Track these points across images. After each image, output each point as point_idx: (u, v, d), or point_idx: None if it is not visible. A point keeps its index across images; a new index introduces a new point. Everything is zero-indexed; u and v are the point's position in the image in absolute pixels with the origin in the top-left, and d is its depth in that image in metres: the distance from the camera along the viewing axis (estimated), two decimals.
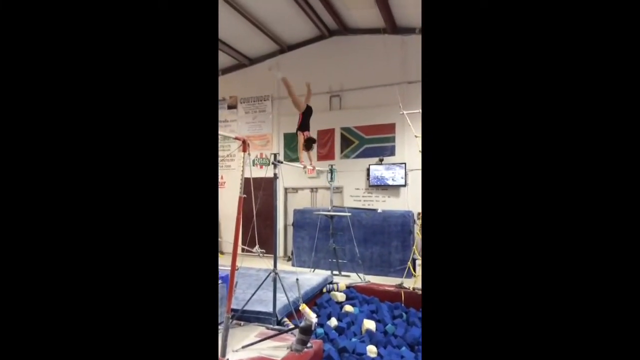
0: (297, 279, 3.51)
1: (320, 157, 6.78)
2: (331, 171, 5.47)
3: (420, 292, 4.26)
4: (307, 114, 4.34)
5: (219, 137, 7.75)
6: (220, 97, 7.77)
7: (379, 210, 5.77)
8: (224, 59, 7.30)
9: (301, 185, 7.06)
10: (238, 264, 2.64)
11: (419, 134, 4.55)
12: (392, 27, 6.11)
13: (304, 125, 4.29)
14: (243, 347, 2.65)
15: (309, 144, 4.32)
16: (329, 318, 3.69)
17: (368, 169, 6.36)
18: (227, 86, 7.70)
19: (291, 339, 2.75)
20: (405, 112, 4.57)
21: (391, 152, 6.29)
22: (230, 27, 6.16)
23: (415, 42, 6.11)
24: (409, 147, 6.03)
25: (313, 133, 6.86)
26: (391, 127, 6.31)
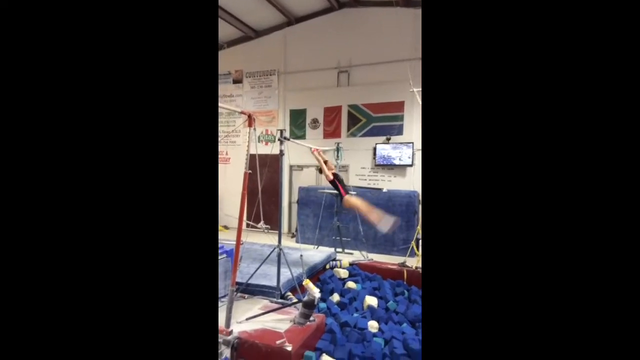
0: (301, 255, 3.55)
1: (327, 135, 6.70)
2: (338, 149, 5.41)
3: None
4: (337, 180, 4.17)
5: (224, 112, 7.68)
6: (225, 71, 7.62)
7: (384, 190, 5.74)
8: (229, 31, 7.09)
9: (306, 163, 7.02)
10: (243, 238, 2.66)
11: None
12: (405, 0, 5.84)
13: (344, 189, 4.13)
14: (247, 319, 2.71)
15: (340, 181, 4.20)
16: (331, 293, 3.75)
17: (375, 148, 6.28)
18: (232, 59, 7.53)
19: (294, 312, 2.81)
20: (415, 90, 4.43)
21: (399, 131, 6.18)
22: None
23: None
24: (418, 126, 5.91)
25: (319, 110, 6.79)
26: (400, 105, 6.17)
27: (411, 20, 5.97)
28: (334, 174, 4.18)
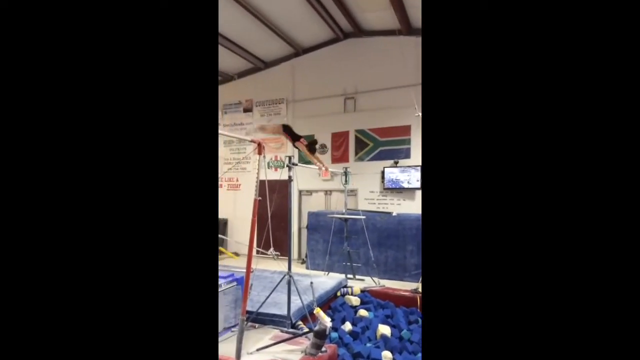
0: (311, 282, 3.50)
1: (335, 160, 6.77)
2: (345, 174, 5.45)
3: None
4: (287, 130, 4.36)
5: (235, 140, 7.86)
6: (235, 101, 7.88)
7: (393, 214, 5.69)
8: (239, 63, 7.41)
9: (315, 188, 7.06)
10: (253, 266, 2.65)
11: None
12: (407, 28, 6.06)
13: (294, 137, 4.29)
14: (258, 350, 2.65)
15: (311, 147, 4.32)
16: (343, 322, 3.66)
17: (383, 172, 6.30)
18: (242, 89, 7.81)
19: (305, 342, 2.74)
20: (420, 114, 4.50)
21: (406, 154, 6.22)
22: (245, 30, 6.25)
23: None
24: None
25: (327, 136, 6.90)
26: (406, 129, 6.24)
27: (413, 47, 6.16)
28: (283, 125, 4.28)
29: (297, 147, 4.27)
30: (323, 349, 2.62)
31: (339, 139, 6.80)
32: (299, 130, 7.24)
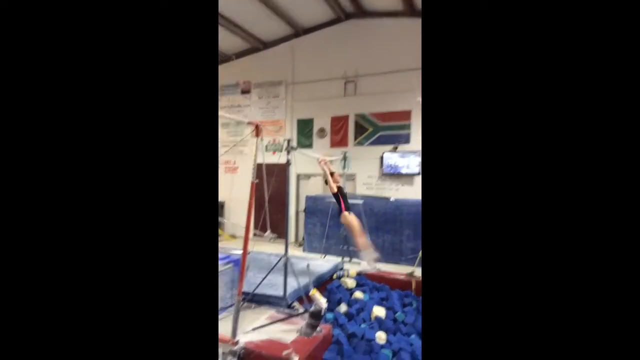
0: (307, 265, 3.54)
1: (334, 144, 6.72)
2: (345, 158, 5.42)
3: None
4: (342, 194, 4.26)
5: (232, 122, 7.77)
6: (233, 82, 7.74)
7: (391, 199, 5.71)
8: (237, 43, 7.23)
9: (314, 172, 7.04)
10: (250, 248, 2.66)
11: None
12: (411, 9, 5.90)
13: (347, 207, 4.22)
14: (253, 329, 2.70)
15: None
16: (338, 304, 3.71)
17: (382, 157, 6.27)
18: (240, 70, 7.66)
19: (301, 322, 2.78)
20: (421, 99, 4.44)
21: (406, 139, 6.18)
22: (243, 8, 6.07)
23: None
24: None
25: (326, 119, 6.84)
26: (407, 114, 6.17)
27: (416, 30, 6.00)
28: (339, 187, 4.22)
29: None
30: (318, 329, 2.67)
31: (339, 123, 6.74)
32: (297, 113, 7.18)
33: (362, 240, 4.14)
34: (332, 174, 4.28)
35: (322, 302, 2.63)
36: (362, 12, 6.38)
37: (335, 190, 4.20)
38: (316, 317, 2.63)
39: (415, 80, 5.37)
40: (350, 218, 4.11)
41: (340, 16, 6.52)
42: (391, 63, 6.23)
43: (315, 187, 7.05)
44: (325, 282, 4.23)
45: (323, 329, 2.74)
